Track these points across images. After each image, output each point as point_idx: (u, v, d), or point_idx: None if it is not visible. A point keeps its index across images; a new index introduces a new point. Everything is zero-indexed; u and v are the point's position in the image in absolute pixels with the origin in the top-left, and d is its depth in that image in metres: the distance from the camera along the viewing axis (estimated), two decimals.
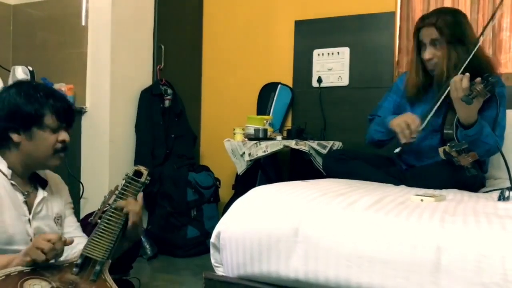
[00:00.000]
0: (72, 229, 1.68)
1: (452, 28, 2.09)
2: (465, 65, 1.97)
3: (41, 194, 1.58)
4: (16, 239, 1.47)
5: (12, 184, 1.51)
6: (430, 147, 2.13)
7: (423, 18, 2.19)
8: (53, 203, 1.63)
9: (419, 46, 2.18)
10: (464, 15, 2.20)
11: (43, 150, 1.53)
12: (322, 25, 3.15)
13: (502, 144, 2.01)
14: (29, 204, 1.54)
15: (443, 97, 2.01)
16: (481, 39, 2.09)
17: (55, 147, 1.55)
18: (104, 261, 1.42)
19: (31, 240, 1.48)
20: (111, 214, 1.50)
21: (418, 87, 2.18)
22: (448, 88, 1.95)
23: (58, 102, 1.56)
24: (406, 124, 2.02)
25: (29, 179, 1.60)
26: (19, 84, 1.63)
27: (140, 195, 1.57)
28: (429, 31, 2.11)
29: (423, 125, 2.03)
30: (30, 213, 1.53)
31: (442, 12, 2.20)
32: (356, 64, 3.06)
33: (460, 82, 1.85)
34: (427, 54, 2.12)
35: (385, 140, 2.25)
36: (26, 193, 1.54)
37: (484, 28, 2.13)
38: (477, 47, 1.99)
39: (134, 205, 1.52)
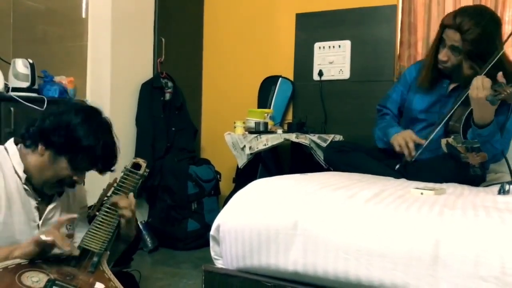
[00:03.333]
0: (81, 234, 1.60)
1: (477, 44, 1.97)
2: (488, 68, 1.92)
3: (55, 201, 1.53)
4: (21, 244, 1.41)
5: (25, 189, 1.46)
6: (432, 139, 2.12)
7: (454, 17, 2.02)
8: (68, 209, 1.58)
9: (439, 41, 2.11)
10: (498, 21, 2.05)
11: (51, 175, 1.45)
12: (323, 18, 3.13)
13: (507, 151, 2.00)
14: (41, 210, 1.50)
15: (449, 115, 2.02)
16: (504, 47, 1.98)
17: (62, 179, 1.47)
18: (102, 253, 1.42)
19: None
20: (107, 210, 1.48)
21: (430, 82, 2.18)
22: (458, 103, 1.97)
23: (107, 151, 1.47)
24: (405, 142, 2.08)
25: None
26: (88, 112, 1.50)
27: (131, 195, 1.52)
28: (454, 36, 2.02)
29: (426, 143, 2.05)
30: (40, 218, 1.49)
31: (474, 17, 1.98)
32: (357, 58, 3.04)
33: (483, 81, 1.80)
34: (443, 55, 2.09)
35: (387, 149, 2.26)
36: (39, 199, 1.49)
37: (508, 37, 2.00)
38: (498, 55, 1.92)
39: (126, 202, 1.50)
